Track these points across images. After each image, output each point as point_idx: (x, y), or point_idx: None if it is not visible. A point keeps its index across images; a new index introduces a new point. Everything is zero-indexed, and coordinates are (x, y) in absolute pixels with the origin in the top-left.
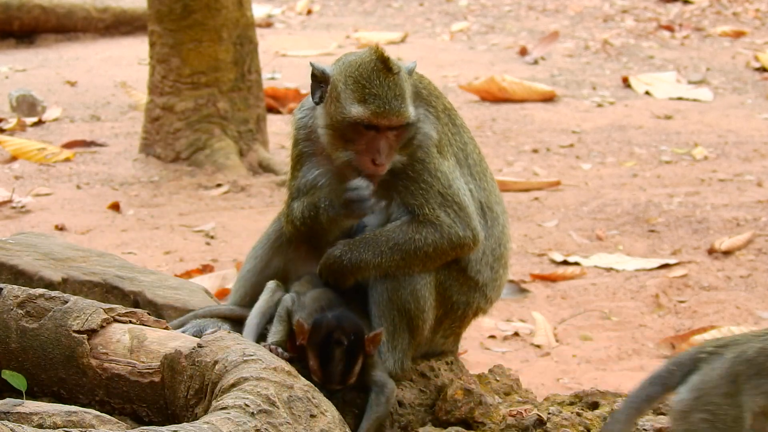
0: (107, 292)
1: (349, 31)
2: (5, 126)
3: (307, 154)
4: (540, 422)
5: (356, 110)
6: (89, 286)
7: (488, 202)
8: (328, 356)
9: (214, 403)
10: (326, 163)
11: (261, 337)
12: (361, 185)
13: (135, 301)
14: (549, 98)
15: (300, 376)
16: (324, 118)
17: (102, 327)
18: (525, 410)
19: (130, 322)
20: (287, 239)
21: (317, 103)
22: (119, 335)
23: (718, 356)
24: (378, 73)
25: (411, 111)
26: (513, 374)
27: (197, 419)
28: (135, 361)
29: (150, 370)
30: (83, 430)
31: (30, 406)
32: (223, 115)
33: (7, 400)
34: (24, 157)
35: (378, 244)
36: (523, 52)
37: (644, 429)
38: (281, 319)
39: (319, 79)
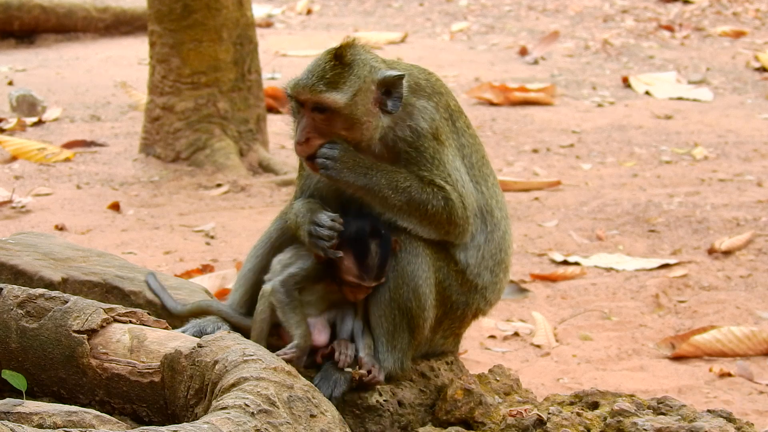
0: (107, 292)
1: (349, 31)
2: (5, 126)
3: None
4: (540, 422)
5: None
6: (89, 286)
7: (487, 206)
8: (364, 250)
9: (214, 403)
10: None
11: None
12: (325, 223)
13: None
14: (549, 93)
15: (300, 376)
16: None
17: (102, 327)
18: (525, 410)
19: (130, 322)
20: (288, 238)
21: None
22: (119, 335)
23: None
24: (326, 56)
25: (335, 97)
26: (513, 374)
27: (197, 419)
28: (135, 361)
29: (150, 370)
30: (83, 430)
31: (30, 406)
32: (223, 115)
33: (7, 400)
34: (24, 157)
35: (396, 180)
36: (523, 52)
37: (644, 429)
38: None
39: None
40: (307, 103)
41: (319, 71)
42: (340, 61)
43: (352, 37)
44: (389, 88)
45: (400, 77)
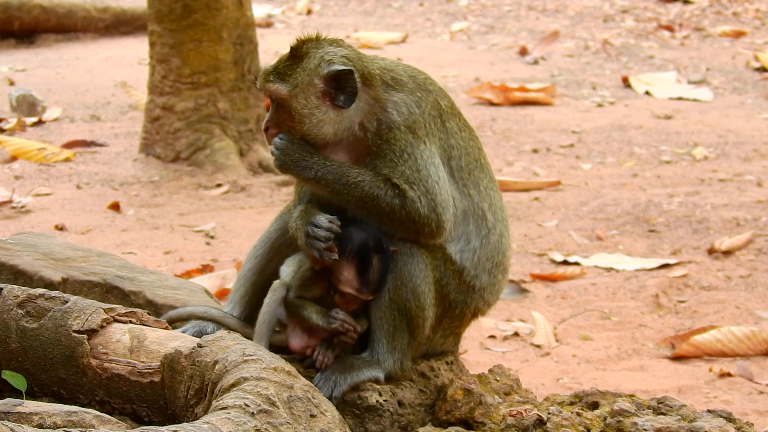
0: (107, 292)
1: (349, 31)
2: (5, 126)
3: None
4: (540, 422)
5: None
6: (89, 286)
7: (478, 210)
8: (366, 264)
9: (214, 403)
10: None
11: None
12: (322, 225)
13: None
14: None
15: (300, 376)
16: None
17: (102, 327)
18: (525, 410)
19: (130, 322)
20: (288, 240)
21: None
22: (119, 335)
23: None
24: (289, 50)
25: (278, 87)
26: (513, 374)
27: (197, 419)
28: (135, 361)
29: (150, 370)
30: (83, 430)
31: (30, 406)
32: (223, 115)
33: (7, 400)
34: (24, 157)
35: (347, 175)
36: (523, 52)
37: (644, 429)
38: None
39: None
40: (264, 91)
41: (278, 62)
42: (293, 54)
43: (315, 34)
44: (339, 82)
45: (348, 72)
